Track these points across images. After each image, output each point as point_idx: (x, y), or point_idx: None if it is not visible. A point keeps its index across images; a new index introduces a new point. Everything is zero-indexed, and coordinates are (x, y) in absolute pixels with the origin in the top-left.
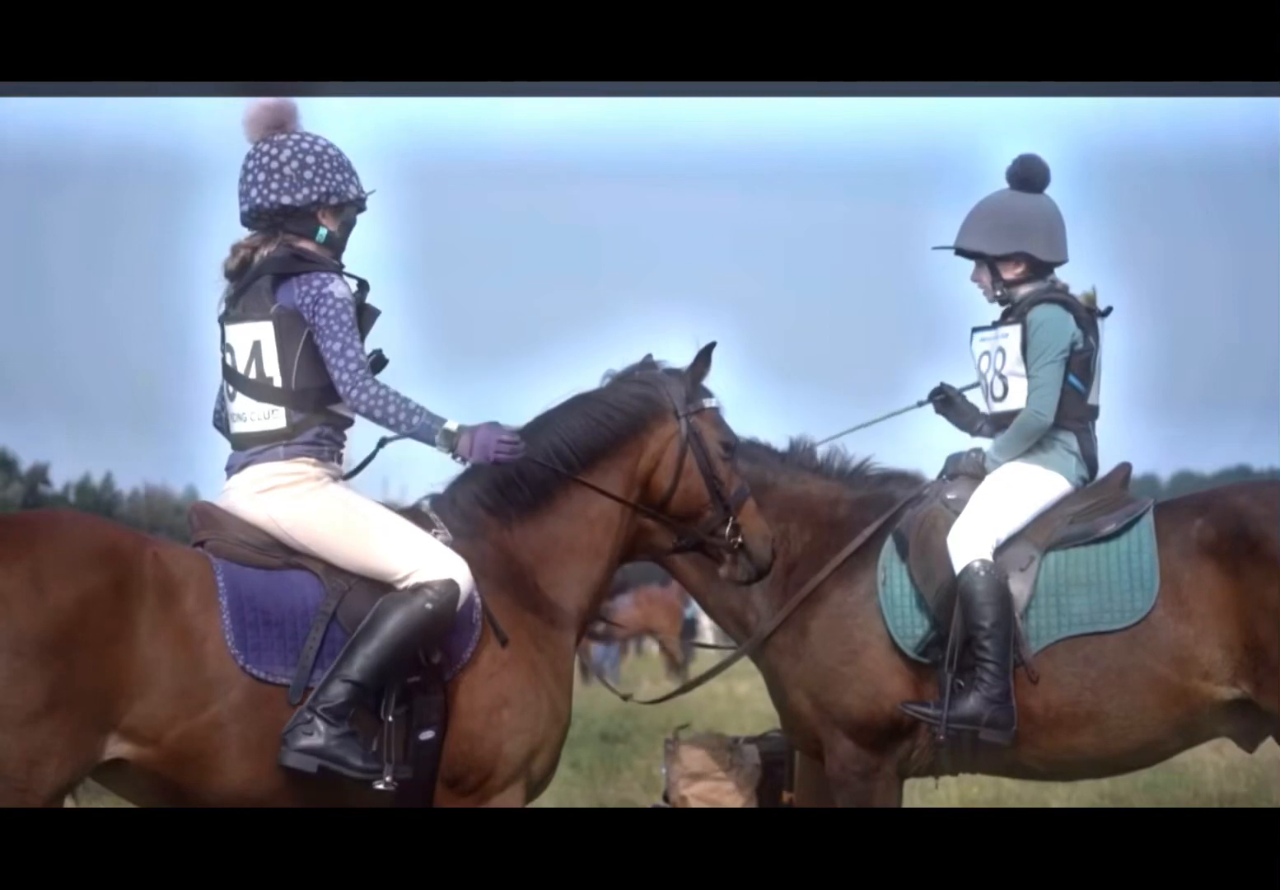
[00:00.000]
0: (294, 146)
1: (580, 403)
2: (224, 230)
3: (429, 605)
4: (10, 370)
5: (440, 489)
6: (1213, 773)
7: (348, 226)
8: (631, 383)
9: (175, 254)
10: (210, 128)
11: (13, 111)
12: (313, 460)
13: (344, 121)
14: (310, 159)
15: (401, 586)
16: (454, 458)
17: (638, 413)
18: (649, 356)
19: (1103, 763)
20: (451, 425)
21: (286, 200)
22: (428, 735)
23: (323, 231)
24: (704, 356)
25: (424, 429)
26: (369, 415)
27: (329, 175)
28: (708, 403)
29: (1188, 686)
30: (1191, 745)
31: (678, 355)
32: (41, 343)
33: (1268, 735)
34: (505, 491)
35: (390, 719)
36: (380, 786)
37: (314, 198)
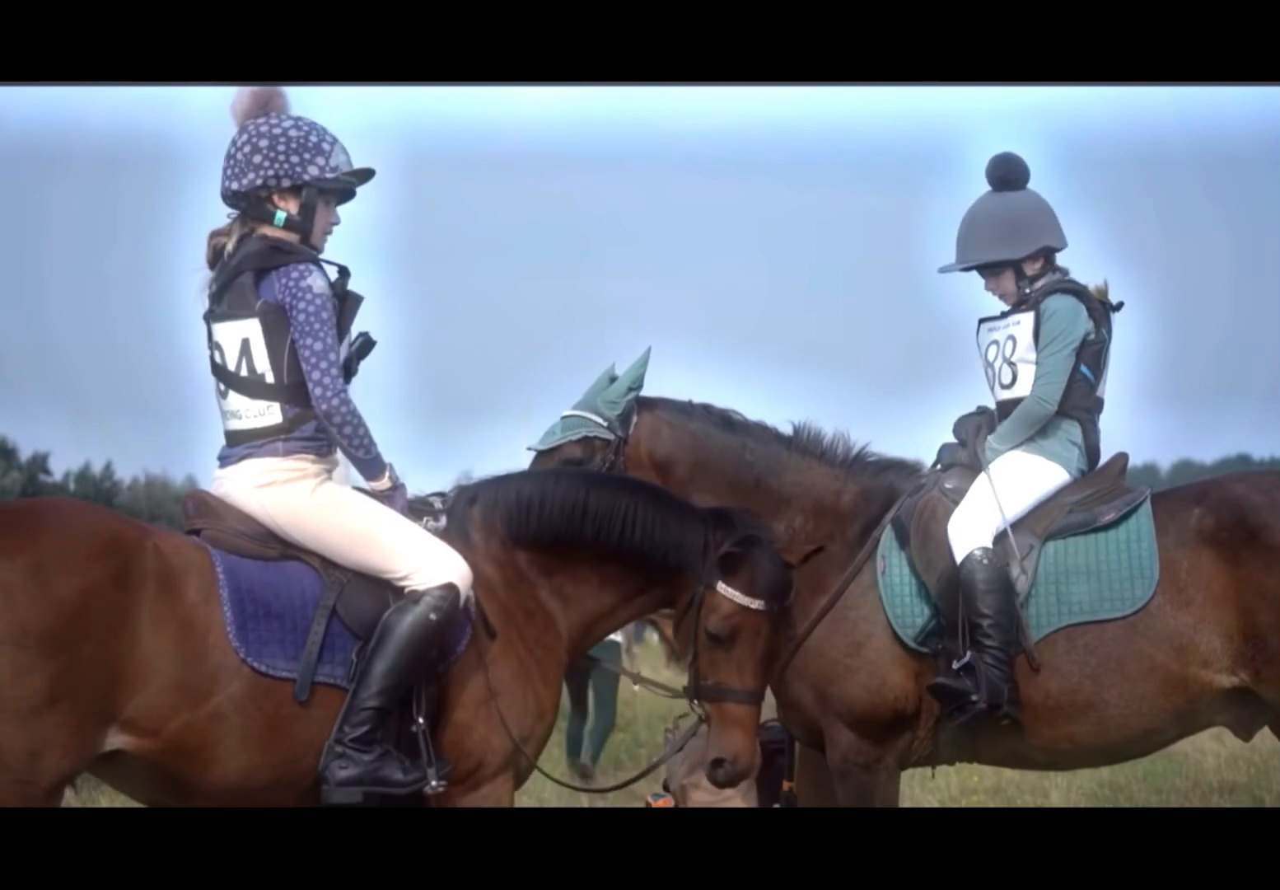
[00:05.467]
0: (253, 130)
1: (662, 498)
2: (221, 221)
3: (433, 615)
4: (10, 359)
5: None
6: (1213, 762)
7: (308, 208)
8: (700, 524)
9: (173, 243)
10: (207, 117)
11: (8, 100)
12: (311, 457)
13: (335, 109)
14: (263, 143)
15: (400, 585)
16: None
17: (681, 554)
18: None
19: (1101, 751)
20: (394, 476)
21: (234, 186)
22: (410, 728)
23: (279, 215)
24: (742, 553)
25: (375, 463)
26: (339, 426)
27: (281, 157)
28: (723, 589)
29: (1187, 675)
30: (1189, 734)
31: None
32: (41, 331)
33: (1264, 724)
34: (531, 516)
35: (421, 721)
36: (429, 791)
37: (259, 181)
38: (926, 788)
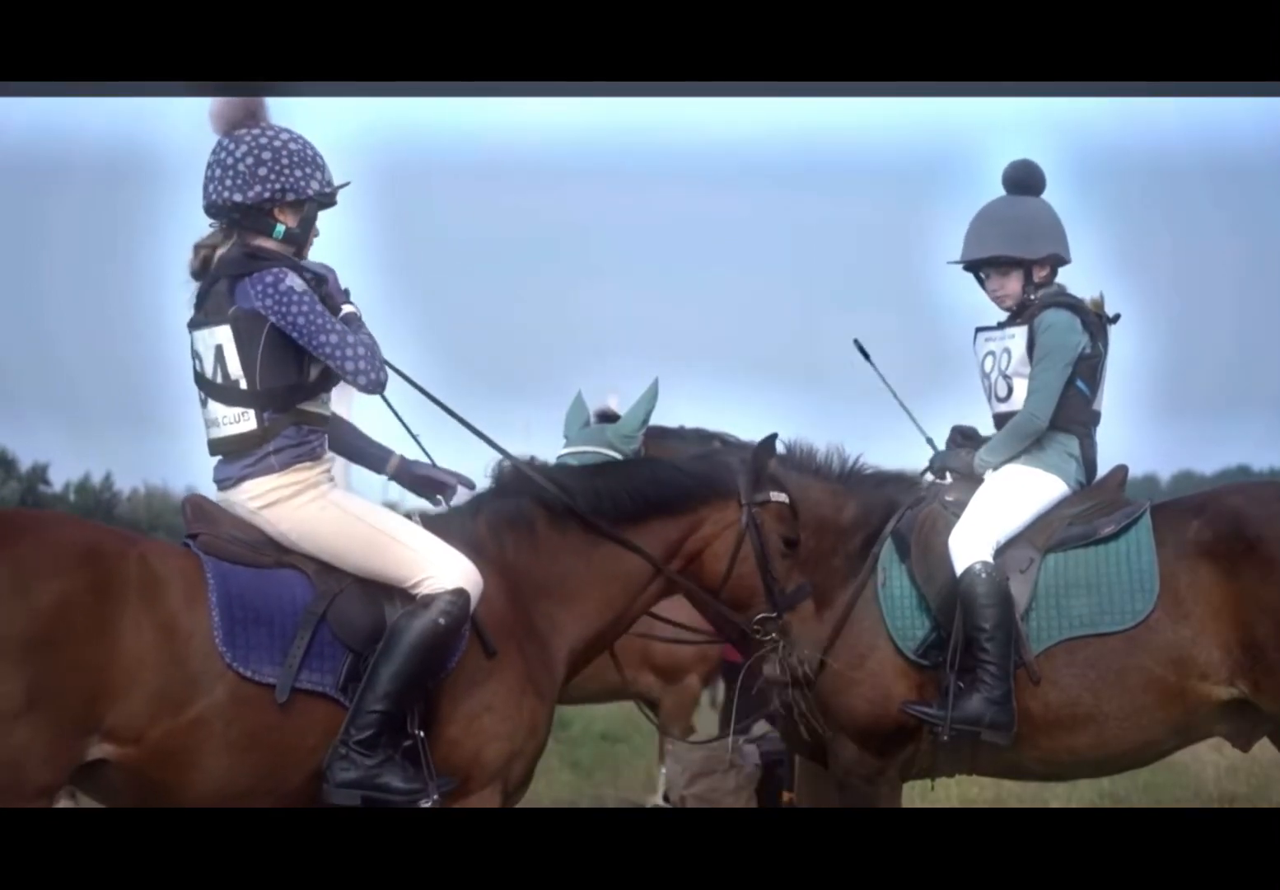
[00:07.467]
0: (252, 142)
1: (647, 462)
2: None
3: (442, 620)
4: (9, 370)
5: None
6: (1213, 772)
7: (308, 222)
8: (701, 460)
9: (172, 254)
10: (206, 128)
11: (6, 111)
12: (307, 464)
13: (328, 120)
14: (266, 155)
15: (414, 592)
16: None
17: (700, 489)
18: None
19: (1100, 763)
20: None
21: (238, 198)
22: (404, 742)
23: (280, 228)
24: (765, 447)
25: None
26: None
27: (285, 172)
28: (775, 496)
29: (1185, 687)
30: (1187, 745)
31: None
32: (41, 342)
33: (1263, 735)
34: (532, 522)
35: (420, 734)
36: (427, 804)
37: (266, 194)
38: (927, 800)
